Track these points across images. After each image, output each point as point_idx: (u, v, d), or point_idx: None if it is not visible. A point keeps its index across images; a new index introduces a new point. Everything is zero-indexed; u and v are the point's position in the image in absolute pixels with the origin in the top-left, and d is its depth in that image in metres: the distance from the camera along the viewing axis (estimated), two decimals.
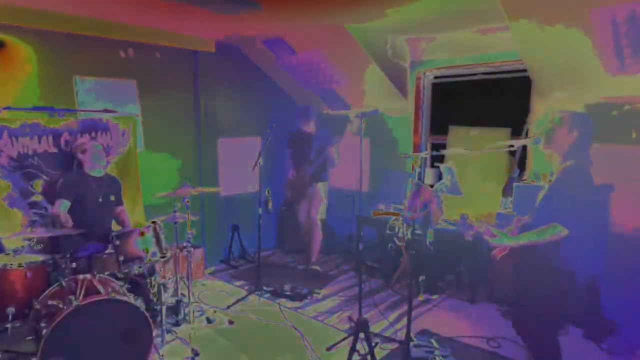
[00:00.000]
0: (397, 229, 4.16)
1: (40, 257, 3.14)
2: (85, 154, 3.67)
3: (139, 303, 2.93)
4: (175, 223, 3.74)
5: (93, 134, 4.06)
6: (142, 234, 3.35)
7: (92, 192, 3.66)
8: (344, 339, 3.48)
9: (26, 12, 3.70)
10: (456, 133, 4.68)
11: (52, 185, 3.77)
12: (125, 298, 2.88)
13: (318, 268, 4.97)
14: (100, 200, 3.69)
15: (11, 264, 2.96)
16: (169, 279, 3.86)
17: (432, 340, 3.44)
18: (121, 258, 3.22)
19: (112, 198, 3.81)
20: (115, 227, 3.93)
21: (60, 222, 3.42)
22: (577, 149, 2.47)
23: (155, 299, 3.38)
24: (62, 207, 3.51)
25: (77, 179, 3.66)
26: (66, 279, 2.93)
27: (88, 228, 3.42)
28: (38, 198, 3.80)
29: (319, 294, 4.46)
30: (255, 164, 4.39)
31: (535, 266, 2.49)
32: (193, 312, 3.79)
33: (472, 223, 2.59)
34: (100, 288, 2.87)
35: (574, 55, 3.55)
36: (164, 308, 3.42)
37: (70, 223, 3.41)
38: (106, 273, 3.21)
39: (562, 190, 2.43)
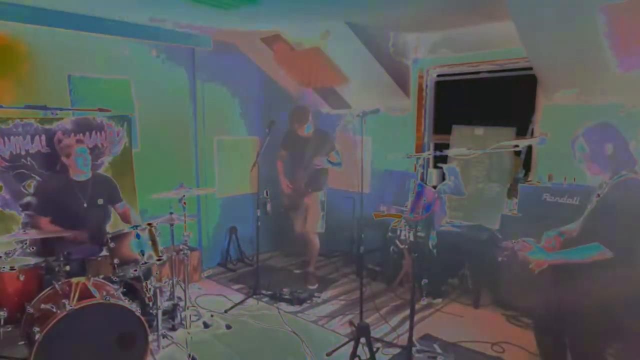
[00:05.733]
0: (399, 232, 4.09)
1: (33, 260, 3.07)
2: (70, 158, 3.54)
3: (135, 307, 2.86)
4: (172, 225, 3.67)
5: (87, 134, 3.99)
6: (137, 236, 3.27)
7: (75, 197, 3.54)
8: (345, 343, 3.43)
9: (19, 9, 3.62)
10: (460, 133, 4.62)
11: (44, 186, 3.69)
12: (120, 302, 2.81)
13: (315, 287, 4.68)
14: (86, 205, 3.57)
15: (3, 267, 2.90)
16: (165, 282, 3.80)
17: (435, 345, 3.40)
18: (116, 261, 3.15)
19: (100, 201, 3.67)
20: (120, 225, 3.82)
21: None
22: (619, 159, 2.32)
23: (151, 303, 3.31)
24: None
25: (58, 185, 3.55)
26: (60, 283, 2.87)
27: None
28: (31, 199, 3.72)
29: (319, 297, 4.40)
30: (254, 165, 4.31)
31: (584, 286, 2.28)
32: (190, 316, 3.73)
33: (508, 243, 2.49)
34: (95, 292, 2.81)
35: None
36: (160, 312, 3.36)
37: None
38: (101, 276, 3.15)
39: (607, 206, 2.27)
